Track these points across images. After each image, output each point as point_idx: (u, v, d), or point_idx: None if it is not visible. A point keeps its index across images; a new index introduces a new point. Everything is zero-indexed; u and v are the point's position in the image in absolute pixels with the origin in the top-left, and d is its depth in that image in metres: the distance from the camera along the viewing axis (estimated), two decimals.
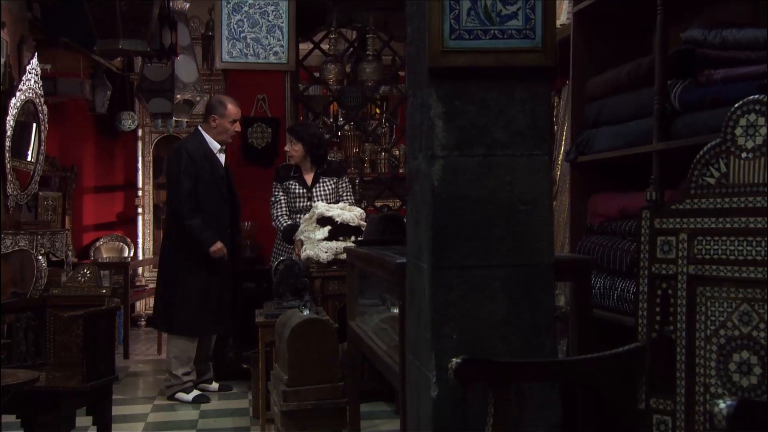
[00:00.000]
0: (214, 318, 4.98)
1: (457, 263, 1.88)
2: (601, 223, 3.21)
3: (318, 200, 5.02)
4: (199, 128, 5.17)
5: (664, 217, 2.08)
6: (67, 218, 8.53)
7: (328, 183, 5.13)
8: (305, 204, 5.09)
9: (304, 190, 5.11)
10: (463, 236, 1.89)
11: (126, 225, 8.91)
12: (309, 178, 5.14)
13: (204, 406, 4.85)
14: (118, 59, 8.17)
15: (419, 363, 1.98)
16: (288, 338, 3.50)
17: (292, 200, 5.14)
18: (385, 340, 2.89)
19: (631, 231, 2.98)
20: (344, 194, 5.18)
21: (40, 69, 6.98)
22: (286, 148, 5.18)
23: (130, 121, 8.61)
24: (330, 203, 4.91)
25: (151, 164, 8.73)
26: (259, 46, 5.87)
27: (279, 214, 5.12)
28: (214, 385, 5.21)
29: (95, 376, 3.40)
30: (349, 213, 4.67)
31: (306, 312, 3.65)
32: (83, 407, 3.52)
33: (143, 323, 8.46)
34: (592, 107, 3.28)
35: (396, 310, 3.56)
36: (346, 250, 3.71)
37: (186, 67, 7.46)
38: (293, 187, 5.13)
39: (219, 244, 4.87)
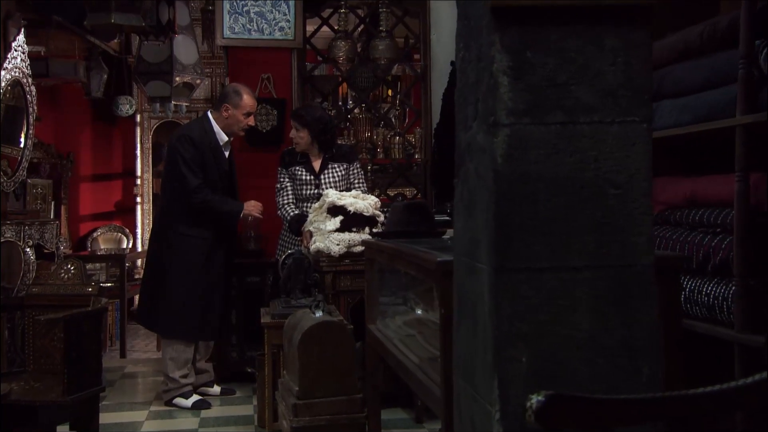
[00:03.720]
0: (199, 323, 4.54)
1: (527, 264, 1.44)
2: (663, 212, 2.77)
3: (326, 188, 4.58)
4: (209, 114, 4.74)
5: None
6: (63, 208, 8.19)
7: (337, 169, 4.69)
8: (312, 192, 4.66)
9: (311, 177, 4.68)
10: (535, 229, 1.44)
11: (124, 215, 8.62)
12: (317, 164, 4.70)
13: (204, 413, 4.44)
14: (115, 41, 7.74)
15: (475, 391, 1.54)
16: (299, 343, 3.08)
17: (299, 187, 4.70)
18: (415, 350, 2.46)
19: (703, 221, 2.53)
20: (356, 181, 4.75)
21: (34, 51, 6.54)
22: (292, 135, 4.76)
23: (128, 106, 8.26)
24: (340, 191, 4.45)
25: (150, 151, 8.45)
26: (264, 21, 5.42)
27: (285, 202, 4.68)
28: (216, 389, 4.81)
29: (79, 387, 2.97)
30: (363, 202, 4.23)
31: (319, 313, 3.22)
32: (65, 422, 3.10)
33: None
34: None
35: (420, 311, 3.13)
36: (365, 243, 3.27)
37: (185, 48, 7.05)
38: (300, 173, 4.70)
39: (247, 206, 4.60)
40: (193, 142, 4.53)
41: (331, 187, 4.58)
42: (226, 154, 4.70)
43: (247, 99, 4.67)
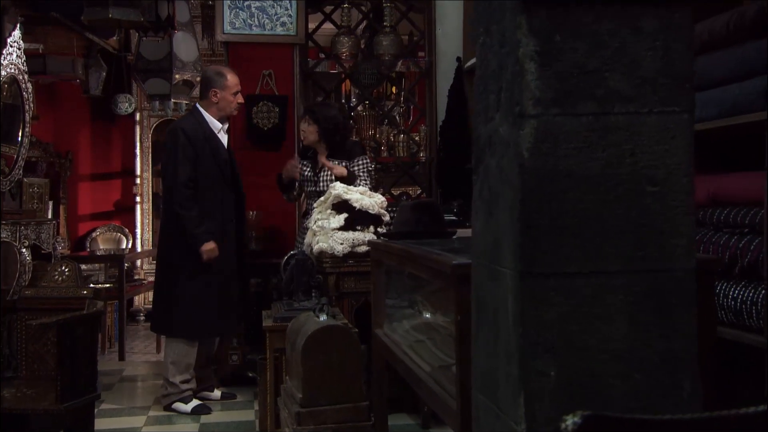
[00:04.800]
0: (219, 318, 4.43)
1: (555, 269, 1.31)
2: None
3: (324, 185, 4.47)
4: (197, 106, 4.60)
5: None
6: (61, 207, 8.08)
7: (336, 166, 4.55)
8: (312, 189, 4.60)
9: (312, 174, 4.57)
10: (565, 230, 1.31)
11: (124, 214, 8.54)
12: (321, 160, 4.60)
13: (204, 419, 4.32)
14: (114, 38, 7.62)
15: (497, 407, 1.41)
16: (302, 348, 2.94)
17: (303, 183, 4.66)
18: (425, 357, 2.32)
19: (729, 221, 2.40)
20: (358, 171, 4.53)
21: (32, 49, 6.41)
22: (302, 128, 4.68)
23: (127, 104, 8.16)
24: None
25: (150, 150, 8.37)
26: (265, 16, 5.29)
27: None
28: (216, 393, 4.68)
29: (73, 394, 2.84)
30: (370, 199, 4.09)
31: (323, 317, 3.08)
32: (59, 431, 2.96)
33: (142, 318, 7.99)
34: None
35: (429, 315, 3.00)
36: (371, 244, 3.13)
37: (185, 45, 6.94)
38: (305, 169, 4.64)
39: (212, 244, 4.32)
40: (186, 134, 4.40)
41: (328, 185, 4.46)
42: (224, 141, 4.57)
43: (232, 78, 4.56)
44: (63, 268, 3.16)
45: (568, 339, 1.31)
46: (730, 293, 2.33)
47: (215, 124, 4.52)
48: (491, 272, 1.45)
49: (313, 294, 3.76)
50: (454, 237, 2.83)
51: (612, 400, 1.31)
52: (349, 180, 4.39)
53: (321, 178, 4.55)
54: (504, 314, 1.38)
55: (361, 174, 4.52)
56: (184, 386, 4.41)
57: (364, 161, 4.60)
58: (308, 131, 4.58)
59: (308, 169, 4.63)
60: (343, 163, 4.54)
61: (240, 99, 4.60)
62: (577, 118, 1.31)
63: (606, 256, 1.32)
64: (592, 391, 1.31)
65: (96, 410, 4.14)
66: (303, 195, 4.79)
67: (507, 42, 1.36)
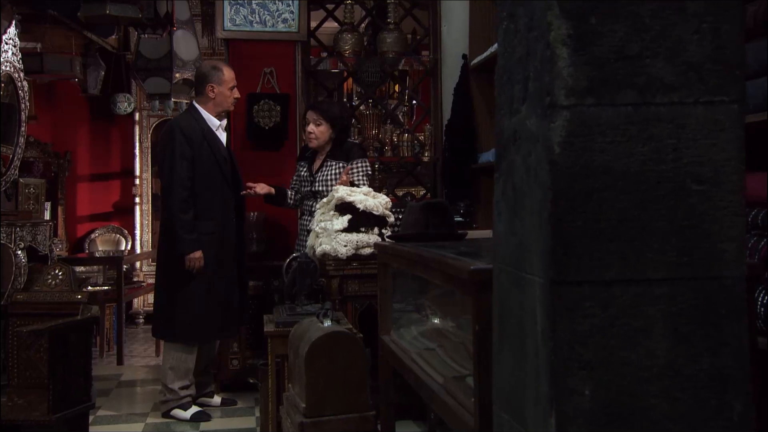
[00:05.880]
0: (221, 321, 4.30)
1: (591, 276, 1.18)
2: None
3: (320, 186, 4.37)
4: (194, 103, 4.47)
5: None
6: (59, 208, 7.97)
7: (333, 167, 4.40)
8: (308, 189, 4.47)
9: (308, 174, 4.44)
10: (601, 234, 1.19)
11: (123, 215, 8.42)
12: (318, 161, 4.47)
13: (204, 425, 4.20)
14: (113, 36, 7.50)
15: (523, 428, 1.28)
16: (306, 356, 2.81)
17: (300, 183, 4.53)
18: (437, 367, 2.19)
19: (757, 223, 2.28)
20: (355, 179, 4.33)
21: (29, 48, 6.29)
22: (310, 129, 4.41)
23: (126, 103, 8.06)
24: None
25: (149, 150, 8.29)
26: (266, 13, 5.16)
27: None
28: (216, 399, 4.55)
29: (65, 404, 2.72)
30: (374, 200, 3.97)
31: (327, 322, 2.96)
32: None
33: (141, 320, 7.87)
34: None
35: (438, 320, 2.87)
36: (378, 246, 3.00)
37: (185, 44, 6.84)
38: (302, 169, 4.53)
39: (198, 253, 4.20)
40: (182, 132, 4.26)
41: (324, 187, 4.34)
42: (223, 139, 4.44)
43: (228, 72, 4.44)
44: (56, 271, 3.03)
45: (605, 354, 1.18)
46: (761, 299, 2.20)
47: (213, 121, 4.39)
48: (516, 279, 1.32)
49: (316, 298, 3.64)
50: (465, 239, 2.70)
51: (653, 422, 1.18)
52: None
53: (317, 179, 4.42)
54: (532, 326, 1.25)
55: (360, 178, 4.35)
56: (183, 392, 4.28)
57: (363, 164, 4.41)
58: (319, 131, 4.38)
59: (304, 169, 4.51)
60: (339, 165, 4.40)
61: (237, 93, 4.47)
62: (615, 108, 1.19)
63: (647, 262, 1.19)
64: (631, 412, 1.18)
65: (92, 417, 4.04)
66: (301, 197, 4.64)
67: (535, 26, 1.23)
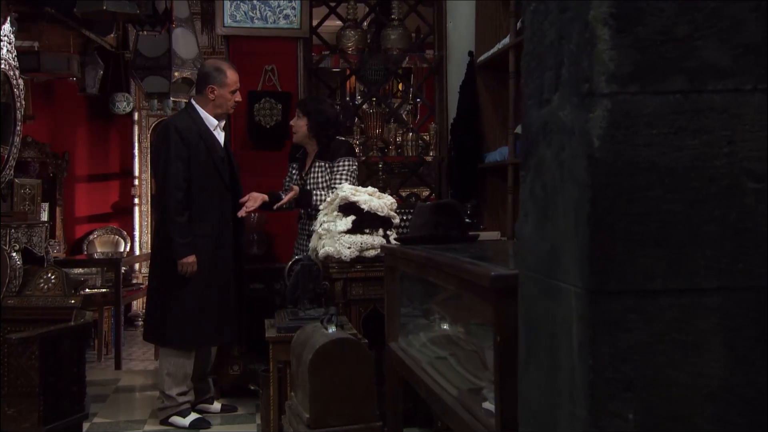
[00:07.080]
0: (216, 326, 4.16)
1: (634, 286, 1.05)
2: None
3: (311, 188, 4.26)
4: (193, 102, 4.34)
5: None
6: (57, 209, 7.85)
7: (322, 168, 4.28)
8: None
9: (299, 177, 4.34)
10: (646, 237, 1.06)
11: (122, 216, 8.31)
12: (308, 161, 4.36)
13: None
14: (111, 35, 7.38)
15: None
16: (310, 363, 2.69)
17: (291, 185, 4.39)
18: (450, 378, 2.06)
19: None
20: (337, 179, 4.20)
21: (26, 46, 6.18)
22: (292, 123, 4.43)
23: (125, 103, 7.94)
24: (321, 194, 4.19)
25: (148, 150, 8.15)
26: (267, 9, 5.03)
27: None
28: (216, 405, 4.43)
29: (57, 415, 2.59)
30: (378, 200, 3.84)
31: (332, 328, 2.83)
32: None
33: (140, 323, 7.73)
34: None
35: (448, 327, 2.74)
36: (385, 249, 2.87)
37: (184, 42, 6.72)
38: (294, 171, 4.44)
39: (192, 258, 4.07)
40: (178, 131, 4.13)
41: (314, 189, 4.22)
42: (221, 139, 4.31)
43: (231, 75, 4.30)
44: (49, 275, 2.90)
45: (651, 373, 1.05)
46: None
47: (211, 121, 4.26)
48: (547, 288, 1.19)
49: (320, 302, 3.52)
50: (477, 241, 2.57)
51: None
52: (305, 199, 4.17)
53: (308, 181, 4.30)
54: (566, 341, 1.12)
55: (340, 179, 4.20)
56: (182, 399, 4.15)
57: (347, 163, 4.25)
58: (297, 125, 4.33)
59: (295, 171, 4.40)
60: (326, 165, 4.27)
61: (238, 97, 4.34)
62: (662, 97, 1.06)
63: (697, 269, 1.06)
64: None
65: (88, 425, 3.91)
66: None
67: (571, 5, 1.10)
